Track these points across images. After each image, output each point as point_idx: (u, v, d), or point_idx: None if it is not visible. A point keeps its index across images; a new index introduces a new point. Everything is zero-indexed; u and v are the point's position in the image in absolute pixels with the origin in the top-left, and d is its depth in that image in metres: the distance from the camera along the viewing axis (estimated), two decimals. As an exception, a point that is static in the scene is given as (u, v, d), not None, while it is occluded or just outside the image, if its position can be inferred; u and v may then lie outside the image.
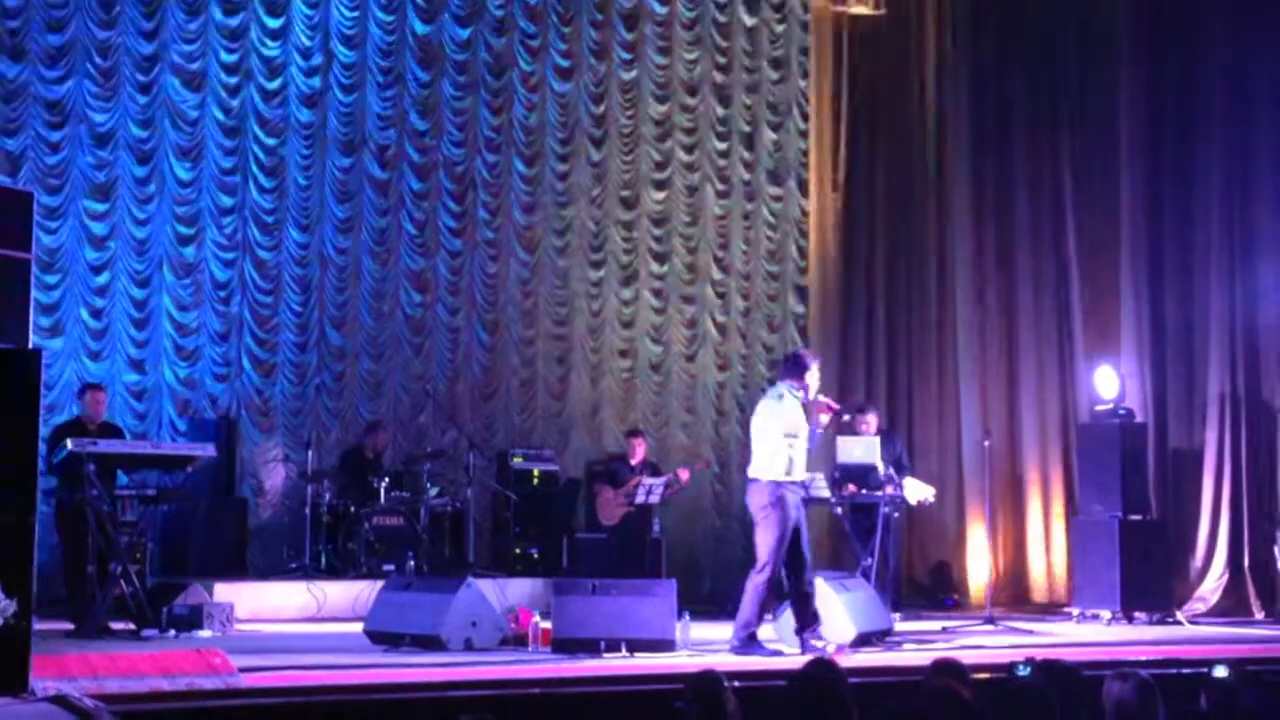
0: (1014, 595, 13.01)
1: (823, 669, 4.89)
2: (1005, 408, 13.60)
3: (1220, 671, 5.37)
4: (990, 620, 11.05)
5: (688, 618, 8.94)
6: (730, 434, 14.43)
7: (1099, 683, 5.19)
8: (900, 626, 10.30)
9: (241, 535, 12.35)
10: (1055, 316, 13.55)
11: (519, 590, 11.57)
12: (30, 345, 6.45)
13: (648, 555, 12.40)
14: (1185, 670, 7.69)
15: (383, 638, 8.80)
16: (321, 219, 13.18)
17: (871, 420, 11.82)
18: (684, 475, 12.32)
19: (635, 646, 8.49)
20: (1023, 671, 5.67)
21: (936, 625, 10.95)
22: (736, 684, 5.39)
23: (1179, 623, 11.31)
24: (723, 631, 10.11)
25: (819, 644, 8.62)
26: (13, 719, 5.56)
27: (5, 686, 5.85)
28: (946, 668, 5.68)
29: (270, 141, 12.99)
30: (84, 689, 6.20)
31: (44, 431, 9.89)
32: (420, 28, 13.63)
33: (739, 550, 14.22)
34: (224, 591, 10.64)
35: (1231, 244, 12.58)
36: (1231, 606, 12.07)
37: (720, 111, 14.69)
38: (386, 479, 12.14)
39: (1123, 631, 10.85)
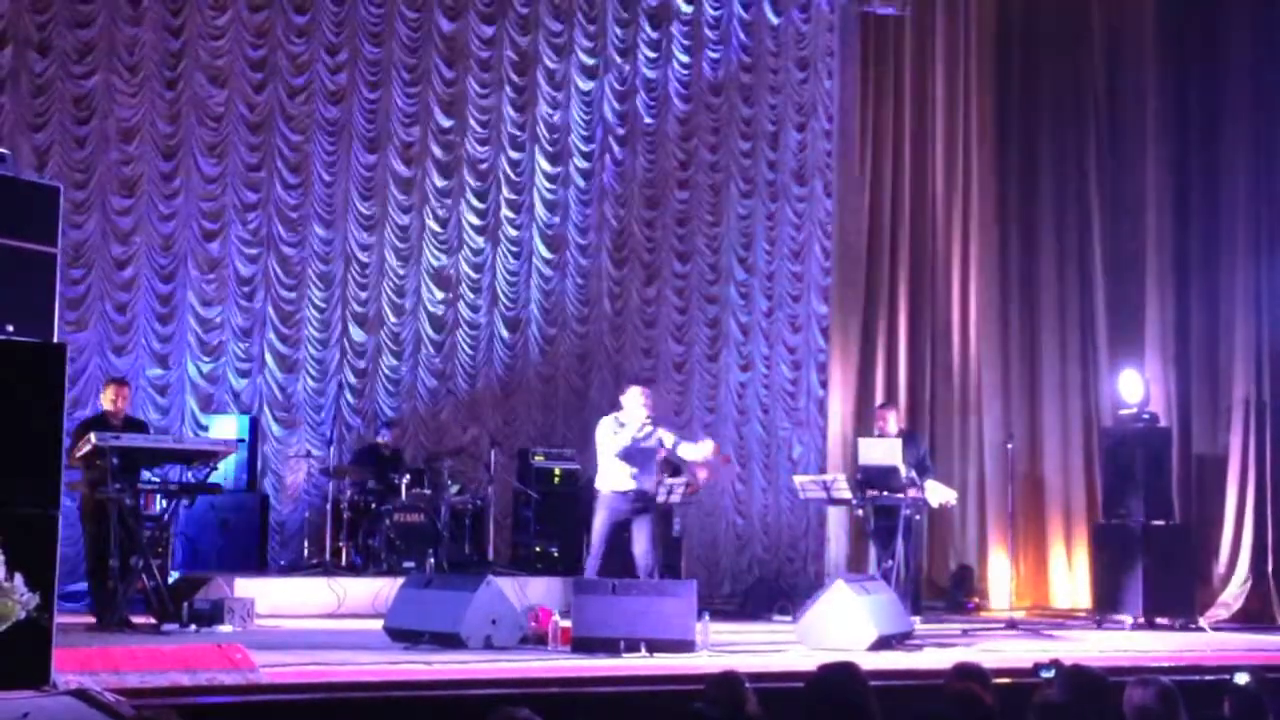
0: (1036, 599, 12.96)
1: (843, 671, 4.87)
2: (1028, 410, 13.54)
3: (1242, 678, 5.34)
4: (1012, 624, 11.02)
5: (708, 618, 8.92)
6: (752, 434, 14.42)
7: (1121, 688, 5.15)
8: (921, 629, 10.28)
9: (263, 531, 12.37)
10: (1079, 319, 13.49)
11: (539, 589, 11.56)
12: (55, 339, 6.46)
13: (668, 555, 12.37)
14: (1208, 677, 7.63)
15: (402, 635, 8.80)
16: (345, 215, 13.20)
17: (892, 421, 11.77)
18: (701, 475, 12.29)
19: (655, 646, 8.47)
20: (1046, 672, 5.66)
21: (957, 628, 10.91)
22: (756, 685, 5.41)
23: (1201, 629, 11.25)
24: (744, 632, 10.14)
25: None
26: (35, 712, 5.57)
27: (27, 679, 5.86)
28: (968, 671, 5.67)
29: (295, 138, 13.02)
30: (105, 683, 6.22)
31: (68, 425, 9.97)
32: (446, 25, 13.65)
33: (760, 551, 14.23)
34: (245, 587, 10.65)
35: (1257, 248, 12.50)
36: (1255, 613, 12.00)
37: (745, 111, 14.67)
38: (408, 476, 12.16)
39: (1145, 637, 10.79)
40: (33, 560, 5.74)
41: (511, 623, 8.93)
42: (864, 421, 13.52)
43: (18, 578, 5.47)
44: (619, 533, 9.87)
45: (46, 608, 5.72)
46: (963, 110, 14.20)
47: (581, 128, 14.12)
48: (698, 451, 10.20)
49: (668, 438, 10.08)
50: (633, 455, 9.92)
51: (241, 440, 11.63)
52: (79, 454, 9.32)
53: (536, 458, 13.13)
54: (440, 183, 13.58)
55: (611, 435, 9.99)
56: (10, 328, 6.23)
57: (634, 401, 10.04)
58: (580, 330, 14.05)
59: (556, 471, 13.11)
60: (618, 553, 9.93)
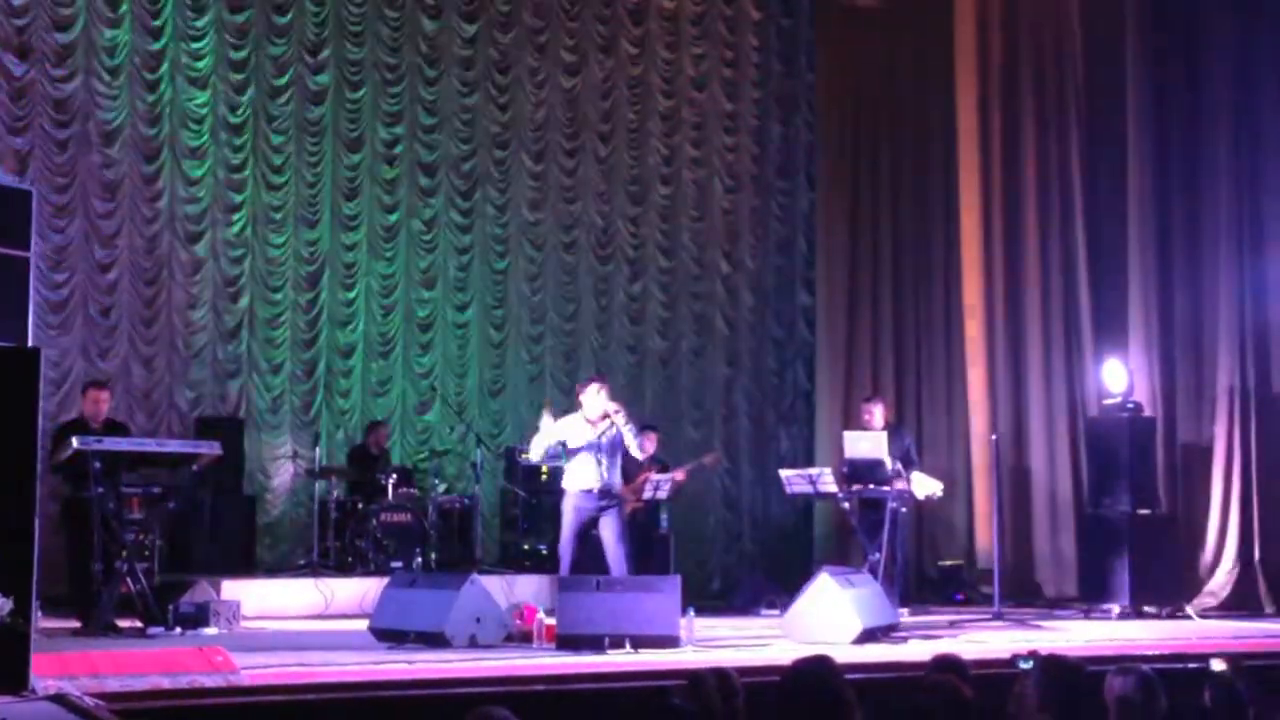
0: (1022, 590, 12.94)
1: (818, 664, 4.86)
2: (1013, 402, 13.54)
3: (1218, 665, 5.35)
4: (998, 615, 11.02)
5: (693, 613, 8.91)
6: (738, 429, 14.42)
7: (1099, 678, 5.15)
8: (907, 621, 10.29)
9: (250, 532, 12.37)
10: (1063, 310, 13.48)
11: (527, 587, 11.58)
12: (30, 343, 6.45)
13: (656, 551, 12.37)
14: (1192, 665, 7.63)
15: (387, 635, 8.79)
16: (329, 216, 13.19)
17: (879, 414, 11.77)
18: (680, 476, 12.29)
19: (640, 643, 8.47)
20: (1025, 664, 5.66)
21: (944, 620, 10.92)
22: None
23: (1189, 617, 11.26)
24: (731, 626, 10.14)
25: None
26: (12, 717, 5.56)
27: (5, 685, 5.85)
28: (946, 663, 5.67)
29: (277, 139, 13.00)
30: (84, 687, 6.20)
31: (50, 429, 9.96)
32: (427, 24, 13.64)
33: (748, 545, 14.24)
34: (231, 589, 10.65)
35: (1240, 236, 12.49)
36: (1242, 601, 12.00)
37: (728, 106, 14.67)
38: (394, 476, 12.15)
39: (1131, 626, 10.80)
40: (9, 566, 5.72)
41: (496, 621, 8.92)
42: (850, 415, 13.51)
43: (-9, 583, 5.47)
44: (587, 531, 9.80)
45: (23, 613, 5.70)
46: (944, 101, 14.18)
47: (564, 125, 14.12)
48: (634, 446, 10.01)
49: (631, 444, 9.91)
50: (599, 450, 9.81)
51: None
52: (60, 458, 9.31)
53: (524, 456, 13.08)
54: (423, 182, 13.57)
55: (575, 432, 9.89)
56: (-17, 333, 6.22)
57: (592, 396, 9.90)
58: (566, 328, 14.05)
59: (544, 470, 13.08)
60: (588, 551, 9.89)
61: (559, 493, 12.88)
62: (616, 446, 9.90)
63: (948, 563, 13.51)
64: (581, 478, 9.83)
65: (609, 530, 9.77)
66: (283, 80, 13.04)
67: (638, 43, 14.42)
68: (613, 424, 9.82)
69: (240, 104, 12.88)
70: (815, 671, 4.81)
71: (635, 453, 10.12)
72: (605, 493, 9.81)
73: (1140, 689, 5.04)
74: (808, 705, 4.77)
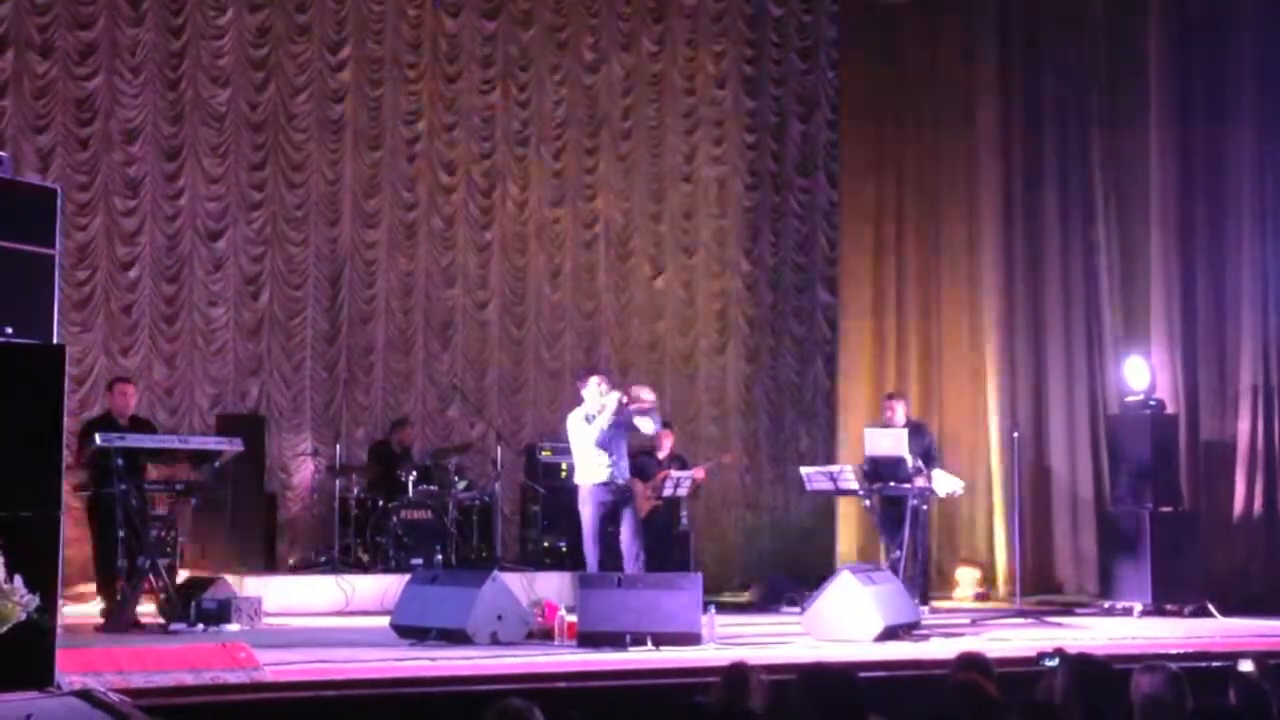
0: (1044, 588, 12.91)
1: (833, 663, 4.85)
2: (1034, 399, 13.50)
3: (1246, 665, 5.32)
4: (1020, 613, 10.99)
5: (714, 611, 8.91)
6: (759, 427, 14.41)
7: (1126, 676, 5.13)
8: (929, 619, 10.26)
9: (271, 529, 12.40)
10: (1084, 307, 13.44)
11: (546, 584, 11.56)
12: (55, 340, 6.47)
13: (675, 548, 12.37)
14: (1216, 663, 7.61)
15: (409, 631, 8.81)
16: (349, 214, 13.21)
17: (900, 411, 11.74)
18: (699, 474, 12.27)
19: (661, 640, 8.47)
20: (1050, 662, 5.64)
21: (965, 618, 10.89)
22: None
23: (1211, 615, 11.21)
24: (753, 624, 10.13)
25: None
26: (38, 713, 5.58)
27: (31, 680, 5.87)
28: (971, 662, 5.65)
29: (298, 136, 13.03)
30: (109, 683, 6.23)
31: (79, 425, 10.00)
32: (447, 21, 13.64)
33: (768, 542, 14.22)
34: (253, 585, 10.68)
35: (1263, 233, 12.43)
36: (1265, 599, 11.93)
37: (749, 103, 14.65)
38: (415, 473, 12.16)
39: (1153, 624, 10.76)
40: (34, 561, 5.74)
41: (517, 618, 8.92)
42: (871, 413, 13.48)
43: (17, 579, 5.47)
44: (607, 525, 9.82)
45: (48, 609, 5.72)
46: (965, 96, 14.14)
47: (584, 122, 14.11)
48: (647, 424, 10.04)
49: (645, 424, 9.95)
50: (609, 441, 9.80)
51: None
52: (84, 454, 9.34)
53: (544, 453, 13.13)
54: (444, 179, 13.58)
55: (585, 426, 9.87)
56: (9, 330, 6.23)
57: (594, 390, 9.91)
58: (586, 325, 14.04)
59: (564, 466, 13.05)
60: (609, 544, 9.88)
61: (577, 489, 12.99)
62: (621, 436, 9.90)
63: (968, 560, 13.48)
64: (593, 472, 9.86)
65: (625, 524, 9.82)
66: (303, 78, 13.06)
67: (658, 40, 14.40)
68: (612, 413, 9.75)
69: (261, 102, 12.91)
70: (829, 668, 4.80)
71: (645, 429, 10.07)
72: (620, 484, 9.85)
73: (1168, 687, 5.02)
74: (823, 703, 4.74)
